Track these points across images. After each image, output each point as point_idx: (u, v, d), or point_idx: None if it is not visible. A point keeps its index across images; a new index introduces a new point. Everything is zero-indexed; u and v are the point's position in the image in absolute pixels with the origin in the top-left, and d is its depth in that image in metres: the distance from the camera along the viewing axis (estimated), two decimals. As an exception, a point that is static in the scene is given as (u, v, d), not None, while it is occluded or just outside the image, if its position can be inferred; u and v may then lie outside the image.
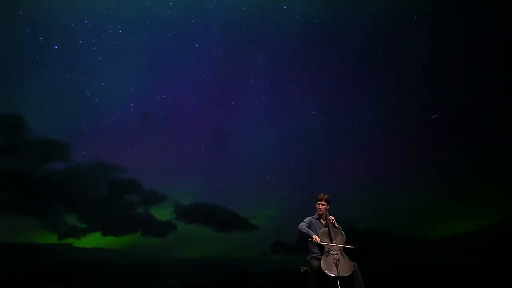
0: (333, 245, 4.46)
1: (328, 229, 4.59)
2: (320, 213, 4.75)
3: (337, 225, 4.71)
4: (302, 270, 4.60)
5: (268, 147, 15.35)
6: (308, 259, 4.64)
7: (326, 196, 4.75)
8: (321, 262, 4.32)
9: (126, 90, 15.10)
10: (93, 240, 14.62)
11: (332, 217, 4.71)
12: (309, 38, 14.54)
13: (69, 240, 14.74)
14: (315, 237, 4.47)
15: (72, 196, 14.60)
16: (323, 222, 4.76)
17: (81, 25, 14.84)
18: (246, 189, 14.90)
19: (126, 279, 13.69)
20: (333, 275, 4.21)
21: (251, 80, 15.13)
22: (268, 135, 15.29)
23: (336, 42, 14.51)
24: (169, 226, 15.18)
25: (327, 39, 14.60)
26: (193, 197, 15.25)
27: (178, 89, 15.07)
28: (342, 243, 4.54)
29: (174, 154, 14.73)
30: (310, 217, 4.82)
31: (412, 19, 14.05)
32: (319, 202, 4.73)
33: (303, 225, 4.65)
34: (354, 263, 4.41)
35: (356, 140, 14.78)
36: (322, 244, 4.47)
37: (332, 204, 4.73)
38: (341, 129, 14.81)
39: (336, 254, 4.36)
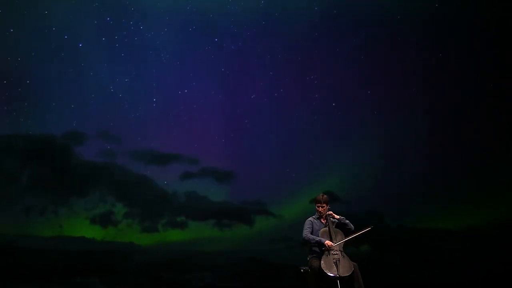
0: (345, 240, 4.55)
1: (329, 229, 4.65)
2: (320, 213, 4.84)
3: (338, 217, 4.75)
4: (302, 270, 4.68)
5: (288, 139, 15.34)
6: (308, 259, 4.71)
7: (325, 197, 4.81)
8: (321, 262, 4.38)
9: (148, 85, 15.38)
10: (129, 232, 14.99)
11: (331, 212, 4.77)
12: (328, 29, 14.40)
13: (106, 232, 15.13)
14: (327, 243, 4.48)
15: (107, 189, 15.09)
16: (323, 221, 4.82)
17: (103, 22, 15.22)
18: (268, 182, 14.93)
19: (158, 271, 14.10)
20: (333, 275, 4.26)
21: (270, 73, 15.11)
22: (288, 128, 15.26)
23: (356, 32, 14.34)
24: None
25: (346, 29, 14.44)
26: (211, 193, 15.36)
27: (198, 84, 15.23)
28: (348, 237, 4.62)
29: (195, 148, 14.89)
30: (310, 219, 4.87)
31: (433, 6, 13.73)
32: (319, 205, 4.79)
33: (307, 234, 4.67)
34: (354, 263, 4.46)
35: (377, 132, 14.56)
36: (337, 244, 4.50)
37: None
38: (361, 121, 14.63)
39: (336, 254, 4.41)
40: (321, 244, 4.54)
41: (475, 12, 13.07)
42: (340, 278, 4.29)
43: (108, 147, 15.00)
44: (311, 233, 4.71)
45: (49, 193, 14.79)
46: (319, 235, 4.63)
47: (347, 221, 4.75)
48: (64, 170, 14.78)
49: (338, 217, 4.75)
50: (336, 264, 4.34)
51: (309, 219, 4.84)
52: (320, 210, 4.77)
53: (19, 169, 14.69)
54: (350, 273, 4.34)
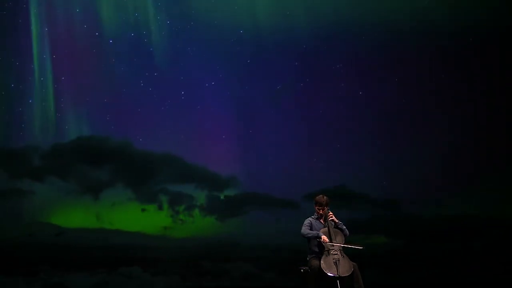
0: (341, 246, 4.53)
1: (328, 229, 4.66)
2: (319, 215, 4.87)
3: (337, 221, 4.76)
4: (302, 270, 4.74)
5: (315, 128, 15.24)
6: (308, 259, 4.76)
7: (326, 198, 4.82)
8: (321, 262, 4.42)
9: (177, 78, 15.64)
10: (170, 222, 15.44)
11: (331, 213, 4.77)
12: (353, 16, 14.13)
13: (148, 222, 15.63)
14: (323, 237, 4.55)
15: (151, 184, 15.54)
16: (322, 222, 4.85)
17: (131, 18, 15.58)
18: (294, 172, 14.92)
19: (199, 261, 14.49)
20: (332, 275, 4.30)
21: (296, 63, 15.00)
22: (313, 117, 15.15)
23: (382, 20, 13.97)
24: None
25: (371, 16, 14.09)
26: (246, 184, 15.50)
27: (224, 75, 15.35)
28: (343, 243, 4.60)
29: (224, 139, 15.07)
30: (310, 219, 4.92)
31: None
32: (320, 208, 4.81)
33: (306, 229, 4.73)
34: (354, 263, 4.47)
35: (405, 121, 14.25)
36: (331, 244, 4.53)
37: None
38: (388, 109, 14.32)
39: (336, 254, 4.44)
40: (317, 237, 4.58)
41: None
42: (340, 278, 4.32)
43: (140, 140, 15.51)
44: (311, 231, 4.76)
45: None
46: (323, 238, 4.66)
47: (344, 227, 4.77)
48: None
49: (337, 221, 4.77)
50: (336, 264, 4.37)
51: (308, 219, 4.88)
52: (320, 212, 4.81)
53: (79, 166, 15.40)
54: (350, 273, 4.36)
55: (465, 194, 13.62)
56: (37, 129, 15.35)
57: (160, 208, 15.53)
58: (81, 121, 15.67)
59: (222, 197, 15.49)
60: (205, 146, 15.57)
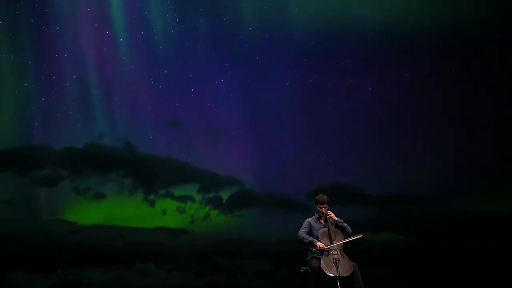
0: (339, 243, 4.54)
1: (328, 229, 4.67)
2: (321, 214, 4.88)
3: (337, 219, 4.75)
4: (302, 270, 4.75)
5: (325, 125, 15.16)
6: (307, 259, 4.78)
7: (326, 197, 4.83)
8: (321, 262, 4.43)
9: (186, 76, 15.71)
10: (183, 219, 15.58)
11: (330, 212, 4.76)
12: (362, 12, 13.99)
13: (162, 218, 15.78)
14: (319, 244, 4.56)
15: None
16: (322, 222, 4.86)
17: (142, 17, 15.69)
18: (307, 168, 14.89)
19: (212, 257, 14.59)
20: (332, 275, 4.31)
21: (305, 59, 14.93)
22: (321, 113, 15.07)
23: (392, 15, 13.82)
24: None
25: (381, 12, 13.93)
26: (259, 182, 15.53)
27: (234, 73, 15.37)
28: (345, 239, 4.61)
29: (233, 136, 15.11)
30: (309, 220, 4.91)
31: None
32: (321, 206, 4.80)
33: (303, 233, 4.76)
34: (354, 263, 4.47)
35: (415, 117, 14.09)
36: (322, 239, 4.58)
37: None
38: (398, 105, 14.17)
39: (336, 254, 4.44)
40: (313, 246, 4.60)
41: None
42: (340, 278, 4.33)
43: (151, 137, 15.67)
44: (310, 233, 4.76)
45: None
46: (319, 235, 4.66)
47: (345, 224, 4.76)
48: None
49: (337, 218, 4.75)
50: (336, 264, 4.37)
51: (307, 219, 4.88)
52: (322, 210, 4.79)
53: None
54: (349, 273, 4.37)
55: (476, 190, 13.43)
56: (49, 127, 15.59)
57: (174, 206, 15.65)
58: (92, 118, 15.85)
59: (234, 195, 15.54)
60: (214, 144, 15.62)
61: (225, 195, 15.59)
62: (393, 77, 14.27)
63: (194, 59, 15.63)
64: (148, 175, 15.67)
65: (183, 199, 15.60)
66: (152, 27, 15.64)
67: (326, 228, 4.68)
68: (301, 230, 4.78)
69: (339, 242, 4.52)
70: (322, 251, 4.55)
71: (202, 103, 15.69)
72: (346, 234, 4.70)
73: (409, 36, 13.69)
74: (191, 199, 15.64)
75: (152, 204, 15.59)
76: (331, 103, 15.07)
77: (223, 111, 15.59)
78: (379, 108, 14.39)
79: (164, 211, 15.56)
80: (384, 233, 14.11)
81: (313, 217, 4.90)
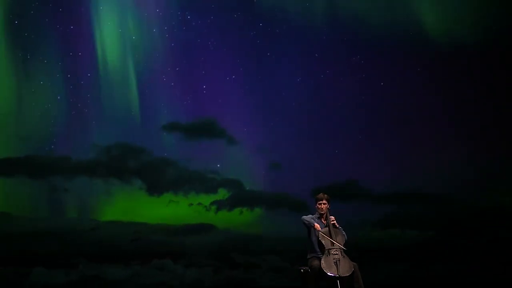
0: (334, 242, 4.50)
1: (329, 229, 4.62)
2: (322, 212, 4.81)
3: (337, 226, 4.72)
4: (302, 270, 4.70)
5: (336, 120, 15.08)
6: (308, 259, 4.74)
7: (326, 195, 4.80)
8: (322, 262, 4.39)
9: (198, 73, 15.81)
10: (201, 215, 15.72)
11: (333, 218, 4.72)
12: (372, 9, 13.82)
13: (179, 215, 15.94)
14: (316, 225, 4.59)
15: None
16: (323, 221, 4.79)
17: (154, 14, 15.80)
18: (320, 164, 14.84)
19: (227, 253, 14.71)
20: (333, 275, 4.26)
21: (316, 55, 14.84)
22: (334, 108, 14.98)
23: (402, 12, 13.61)
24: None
25: (391, 9, 13.74)
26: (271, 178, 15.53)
27: (245, 69, 15.40)
28: (342, 244, 4.58)
29: (245, 132, 15.15)
30: (311, 216, 4.90)
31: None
32: (320, 202, 4.79)
33: (305, 217, 4.80)
34: (354, 263, 4.42)
35: (429, 112, 13.88)
36: (322, 239, 4.54)
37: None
38: (409, 99, 13.97)
39: (336, 254, 4.39)
40: (310, 225, 4.65)
41: None
42: (340, 278, 4.28)
43: (165, 134, 15.84)
44: (311, 231, 4.75)
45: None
46: (319, 234, 4.63)
47: (344, 232, 4.72)
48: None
49: (338, 226, 4.71)
50: (336, 264, 4.33)
51: (310, 215, 4.88)
52: (322, 207, 4.76)
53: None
54: (350, 273, 4.32)
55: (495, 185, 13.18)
56: (65, 126, 15.89)
57: (191, 203, 15.77)
58: (107, 116, 16.11)
59: (249, 192, 15.60)
60: (227, 140, 15.67)
61: (240, 192, 15.66)
62: (404, 73, 14.11)
63: (206, 55, 15.63)
64: (166, 174, 15.85)
65: (199, 198, 15.76)
66: (163, 24, 15.77)
67: (327, 228, 4.65)
68: (304, 216, 4.80)
69: (341, 246, 4.48)
70: (322, 250, 4.52)
71: (214, 100, 15.78)
72: (344, 237, 4.66)
73: (420, 34, 13.47)
74: (208, 197, 15.79)
75: (169, 202, 15.78)
76: (341, 98, 14.95)
77: (234, 106, 15.64)
78: (390, 103, 14.24)
79: (180, 208, 15.73)
80: (407, 232, 13.98)
81: (314, 215, 4.87)
